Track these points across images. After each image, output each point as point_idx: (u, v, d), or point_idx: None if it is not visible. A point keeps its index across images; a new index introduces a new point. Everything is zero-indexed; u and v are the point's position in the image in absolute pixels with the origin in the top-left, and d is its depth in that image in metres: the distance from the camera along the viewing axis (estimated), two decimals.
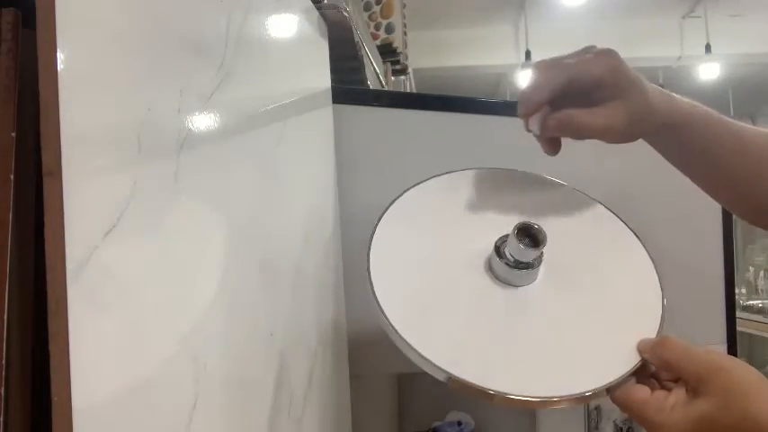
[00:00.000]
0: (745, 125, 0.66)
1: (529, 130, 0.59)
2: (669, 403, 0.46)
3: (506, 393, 0.48)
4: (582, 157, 1.11)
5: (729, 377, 0.44)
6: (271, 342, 0.60)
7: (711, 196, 0.72)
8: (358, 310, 0.91)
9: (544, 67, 0.56)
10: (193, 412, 0.43)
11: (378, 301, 0.54)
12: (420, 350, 0.51)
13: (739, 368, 0.44)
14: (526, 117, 0.57)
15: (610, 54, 0.57)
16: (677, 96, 0.63)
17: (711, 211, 1.21)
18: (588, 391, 0.49)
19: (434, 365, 0.50)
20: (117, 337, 0.36)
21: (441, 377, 0.50)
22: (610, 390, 0.50)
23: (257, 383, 0.57)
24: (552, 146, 0.61)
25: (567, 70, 0.56)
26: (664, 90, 0.62)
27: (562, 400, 0.49)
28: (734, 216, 1.25)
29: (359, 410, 0.92)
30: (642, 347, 0.51)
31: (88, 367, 0.32)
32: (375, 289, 0.55)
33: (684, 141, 0.63)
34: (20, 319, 0.35)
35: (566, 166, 1.10)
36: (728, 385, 0.43)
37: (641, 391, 0.48)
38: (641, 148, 1.18)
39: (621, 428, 1.11)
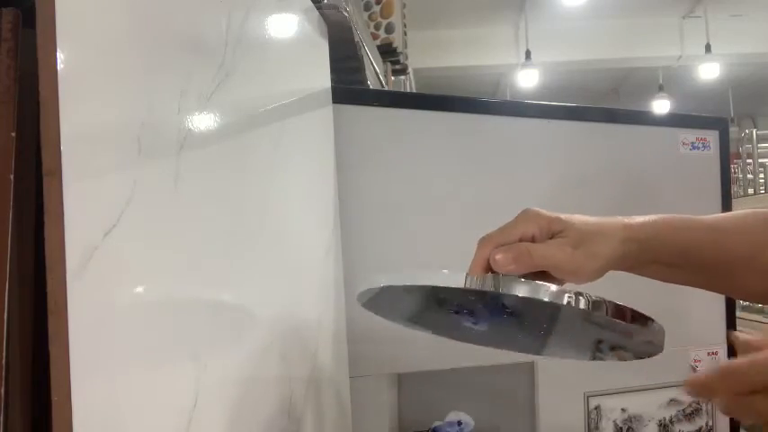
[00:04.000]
0: (715, 216, 0.62)
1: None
2: None
3: None
4: (586, 161, 1.11)
5: None
6: (271, 342, 0.60)
7: (717, 291, 0.70)
8: (358, 310, 0.91)
9: (478, 243, 0.55)
10: (193, 412, 0.43)
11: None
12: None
13: None
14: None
15: (528, 214, 0.55)
16: (637, 222, 0.57)
17: (711, 212, 1.21)
18: None
19: None
20: (117, 338, 0.36)
21: None
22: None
23: (257, 383, 0.57)
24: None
25: (491, 241, 0.55)
26: (627, 223, 0.57)
27: None
28: None
29: (359, 410, 0.92)
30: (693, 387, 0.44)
31: (88, 367, 0.32)
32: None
33: (660, 269, 0.61)
34: (20, 319, 0.35)
35: (571, 170, 1.10)
36: None
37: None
38: (640, 153, 1.18)
39: (621, 428, 1.11)
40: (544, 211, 0.56)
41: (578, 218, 0.56)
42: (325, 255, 0.83)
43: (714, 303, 1.18)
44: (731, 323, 1.19)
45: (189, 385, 0.43)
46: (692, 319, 1.15)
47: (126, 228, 0.36)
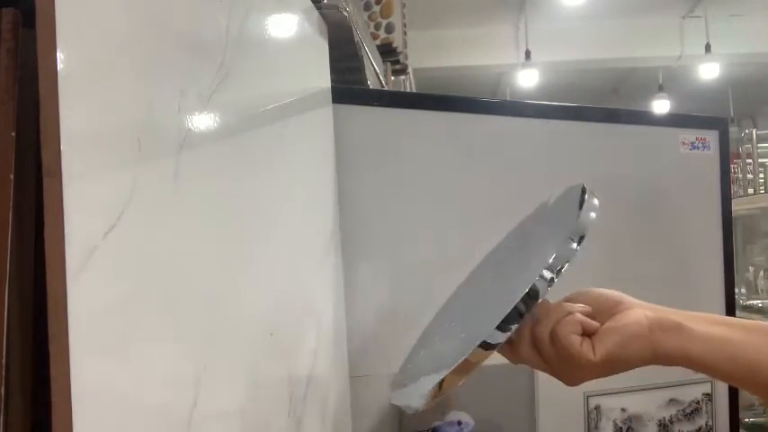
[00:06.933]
0: (728, 321, 0.61)
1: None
2: None
3: None
4: (586, 161, 1.11)
5: None
6: (271, 342, 0.60)
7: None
8: (358, 310, 0.91)
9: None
10: (193, 411, 0.43)
11: None
12: None
13: None
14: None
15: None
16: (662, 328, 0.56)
17: (711, 212, 1.21)
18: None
19: None
20: (117, 337, 0.36)
21: None
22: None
23: (257, 383, 0.57)
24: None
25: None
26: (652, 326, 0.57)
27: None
28: (734, 216, 1.25)
29: (359, 410, 0.92)
30: None
31: (88, 367, 0.32)
32: None
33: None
34: (20, 319, 0.35)
35: (571, 170, 1.10)
36: None
37: None
38: (640, 153, 1.18)
39: (621, 428, 1.11)
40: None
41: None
42: (325, 254, 0.83)
43: (714, 303, 1.18)
44: None
45: (189, 385, 0.43)
46: None
47: (126, 228, 0.36)
